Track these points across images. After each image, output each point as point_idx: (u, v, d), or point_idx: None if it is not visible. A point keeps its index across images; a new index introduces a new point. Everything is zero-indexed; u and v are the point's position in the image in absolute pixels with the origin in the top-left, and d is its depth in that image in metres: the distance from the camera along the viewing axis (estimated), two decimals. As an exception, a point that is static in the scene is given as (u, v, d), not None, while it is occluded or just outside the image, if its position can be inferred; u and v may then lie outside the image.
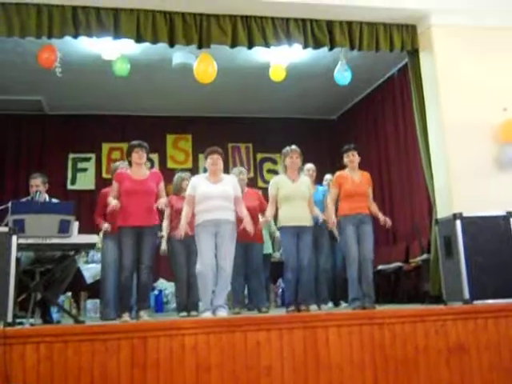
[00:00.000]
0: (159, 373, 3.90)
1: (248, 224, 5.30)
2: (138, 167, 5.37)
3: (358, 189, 5.61)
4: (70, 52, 6.91)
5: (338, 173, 5.79)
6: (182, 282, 6.06)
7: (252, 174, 9.75)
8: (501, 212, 5.20)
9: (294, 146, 5.70)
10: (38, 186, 5.52)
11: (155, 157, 9.49)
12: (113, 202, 5.20)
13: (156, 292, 8.10)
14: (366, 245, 5.49)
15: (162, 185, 5.48)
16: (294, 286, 5.50)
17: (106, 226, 5.79)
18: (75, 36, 5.67)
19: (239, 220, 5.36)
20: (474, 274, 4.98)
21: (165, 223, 6.26)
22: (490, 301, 4.86)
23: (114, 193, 5.34)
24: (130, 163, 5.47)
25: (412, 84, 6.61)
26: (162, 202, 5.35)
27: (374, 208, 5.79)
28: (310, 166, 6.60)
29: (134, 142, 5.48)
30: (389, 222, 5.69)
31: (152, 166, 9.22)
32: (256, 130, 9.80)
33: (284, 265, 5.52)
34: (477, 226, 5.10)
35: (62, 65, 6.25)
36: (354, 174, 5.70)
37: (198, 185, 5.29)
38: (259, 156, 10.04)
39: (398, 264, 7.34)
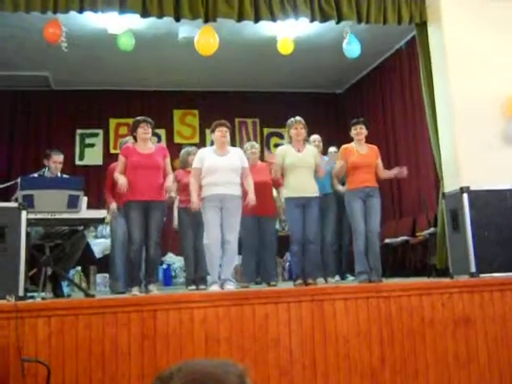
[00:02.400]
0: (169, 345, 3.94)
1: (252, 201, 5.33)
2: (144, 142, 5.36)
3: (365, 161, 5.57)
4: (76, 27, 6.85)
5: (343, 146, 5.76)
6: (190, 256, 6.13)
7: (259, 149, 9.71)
8: (508, 186, 5.19)
9: (298, 117, 5.70)
10: (61, 162, 5.60)
11: (162, 132, 9.48)
12: (120, 179, 5.18)
13: (164, 266, 8.15)
14: (373, 218, 5.46)
15: (168, 159, 5.47)
16: (301, 258, 5.53)
17: (113, 206, 5.83)
18: (80, 11, 5.59)
19: (246, 193, 5.38)
20: (481, 247, 4.98)
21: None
22: (496, 274, 4.87)
23: (121, 168, 5.32)
24: (135, 138, 5.45)
25: (420, 57, 6.52)
26: (170, 181, 5.36)
27: (387, 173, 5.74)
28: (315, 136, 6.58)
29: (139, 118, 5.47)
30: (405, 171, 5.65)
31: (159, 142, 9.26)
32: (263, 105, 9.73)
33: (290, 237, 5.55)
34: (484, 200, 5.09)
35: (68, 40, 6.19)
36: (360, 148, 5.65)
37: (205, 157, 5.32)
38: (266, 131, 10.01)
39: (405, 238, 7.33)
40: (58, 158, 5.57)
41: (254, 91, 9.72)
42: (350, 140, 5.78)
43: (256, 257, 6.35)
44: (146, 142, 5.38)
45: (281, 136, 9.75)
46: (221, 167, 5.21)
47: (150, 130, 5.39)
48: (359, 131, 5.67)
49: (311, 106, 9.59)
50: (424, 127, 6.88)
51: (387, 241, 7.36)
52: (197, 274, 6.09)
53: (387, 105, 8.80)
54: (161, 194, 5.31)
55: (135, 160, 5.26)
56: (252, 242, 6.14)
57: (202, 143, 9.21)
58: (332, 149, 6.97)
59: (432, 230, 6.50)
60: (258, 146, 6.58)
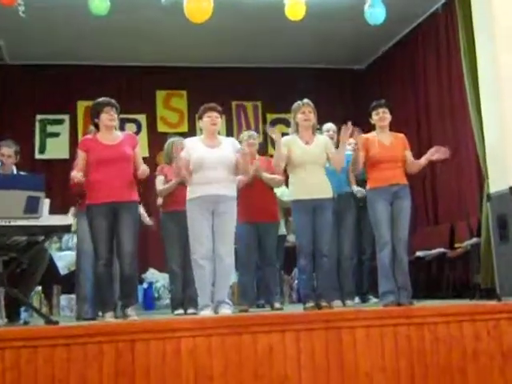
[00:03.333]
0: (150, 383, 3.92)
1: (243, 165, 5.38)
2: (109, 130, 5.34)
3: (389, 153, 5.58)
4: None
5: (364, 136, 5.80)
6: (177, 273, 6.13)
7: (261, 139, 9.72)
8: None
9: (306, 100, 5.69)
10: (10, 156, 5.56)
11: (142, 118, 9.53)
12: (78, 176, 5.12)
13: (145, 285, 8.17)
14: (402, 225, 5.47)
15: (138, 149, 5.48)
16: (311, 275, 5.57)
17: (73, 212, 5.86)
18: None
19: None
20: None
21: (158, 201, 6.38)
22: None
23: (81, 165, 5.24)
24: (96, 126, 5.41)
25: (460, 22, 6.56)
26: (144, 170, 5.33)
27: (419, 163, 5.71)
28: (329, 125, 6.60)
29: (102, 100, 5.40)
30: (446, 152, 5.62)
31: (139, 130, 9.26)
32: (266, 85, 9.75)
33: (297, 249, 5.55)
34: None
35: (26, 2, 6.16)
36: (383, 137, 5.67)
37: (193, 149, 5.32)
38: (270, 117, 9.99)
39: (441, 250, 7.25)
40: (6, 151, 5.52)
41: (256, 68, 9.73)
42: (372, 129, 5.80)
43: (256, 273, 6.35)
44: (111, 130, 5.36)
45: (288, 123, 9.67)
46: (211, 161, 5.22)
47: (116, 115, 5.36)
48: (382, 116, 5.67)
49: (326, 85, 9.65)
50: (465, 109, 6.89)
51: (419, 254, 7.32)
52: (185, 295, 6.09)
53: (419, 83, 8.77)
54: (133, 193, 5.31)
55: (98, 154, 5.22)
56: (250, 254, 6.15)
57: (191, 132, 9.14)
58: (328, 125, 6.76)
59: (475, 240, 6.49)
60: (257, 136, 6.60)
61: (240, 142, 6.07)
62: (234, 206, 5.30)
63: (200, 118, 5.45)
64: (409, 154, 5.70)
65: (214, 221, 5.20)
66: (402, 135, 5.76)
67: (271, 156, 7.46)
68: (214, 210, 5.19)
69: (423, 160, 5.68)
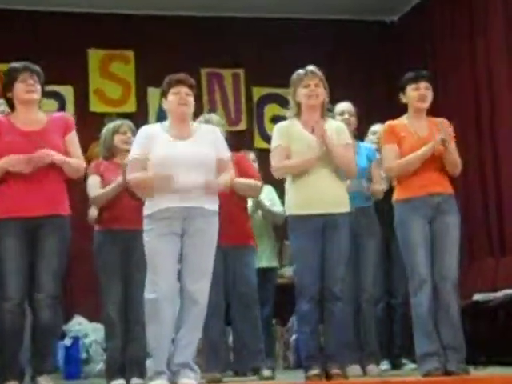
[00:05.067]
0: None
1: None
2: (28, 108, 5.35)
3: None
4: None
5: (389, 122, 5.86)
6: (115, 323, 6.03)
7: (244, 126, 9.74)
8: None
9: (310, 67, 5.73)
10: None
11: (68, 91, 9.55)
12: None
13: (67, 342, 8.12)
14: (448, 253, 5.51)
15: (72, 135, 5.51)
16: (316, 328, 5.57)
17: None
18: None
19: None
20: None
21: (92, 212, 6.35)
22: None
23: None
24: (9, 103, 5.43)
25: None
26: (75, 164, 5.35)
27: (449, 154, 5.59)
28: (344, 105, 6.70)
29: (16, 64, 5.41)
30: (449, 129, 5.56)
31: (61, 109, 9.18)
32: (252, 44, 9.80)
33: (296, 289, 5.58)
34: None
35: None
36: (419, 125, 5.72)
37: (153, 142, 5.28)
38: (257, 91, 10.06)
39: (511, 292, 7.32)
40: None
41: (237, 18, 9.80)
42: (402, 111, 5.83)
43: (227, 322, 6.36)
44: (31, 107, 5.36)
45: (283, 102, 9.67)
46: (180, 160, 5.17)
47: (39, 85, 5.36)
48: (423, 93, 5.71)
49: (343, 44, 9.78)
50: None
51: (477, 297, 7.31)
52: (127, 357, 6.02)
53: (478, 42, 8.79)
54: (60, 203, 5.35)
55: (10, 142, 5.23)
56: (218, 293, 6.06)
57: (141, 113, 9.34)
58: (376, 127, 6.99)
59: None
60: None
61: None
62: (215, 224, 5.31)
63: (164, 94, 5.42)
64: (452, 147, 5.61)
65: (184, 245, 5.20)
66: (445, 121, 5.75)
67: (261, 150, 7.47)
68: (183, 230, 5.19)
69: (453, 155, 5.57)
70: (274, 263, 7.25)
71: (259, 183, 6.23)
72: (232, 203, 6.08)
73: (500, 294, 7.28)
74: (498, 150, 8.33)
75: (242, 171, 6.19)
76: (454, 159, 5.60)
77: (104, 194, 6.07)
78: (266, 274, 6.81)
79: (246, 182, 6.21)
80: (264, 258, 6.95)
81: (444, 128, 5.54)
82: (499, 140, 8.24)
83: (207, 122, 6.26)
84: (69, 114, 5.72)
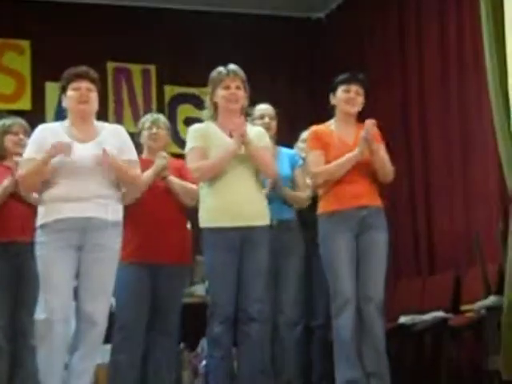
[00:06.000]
0: None
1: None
2: None
3: None
4: None
5: (314, 127, 5.93)
6: (1, 346, 5.87)
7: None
8: None
9: (232, 66, 5.72)
10: None
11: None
12: None
13: None
14: (374, 272, 5.58)
15: None
16: (229, 352, 5.54)
17: None
18: None
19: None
20: None
21: None
22: None
23: None
24: None
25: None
26: None
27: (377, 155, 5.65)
28: (264, 108, 6.65)
29: None
30: (372, 126, 5.59)
31: None
32: (167, 37, 9.88)
33: (209, 309, 5.53)
34: None
35: None
36: (346, 130, 5.78)
37: (49, 144, 5.08)
38: (170, 90, 10.14)
39: (439, 314, 7.25)
40: None
41: (146, 7, 9.88)
42: (329, 115, 5.88)
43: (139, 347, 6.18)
44: None
45: (200, 102, 9.48)
46: (80, 164, 5.07)
47: None
48: (353, 97, 5.75)
49: (267, 41, 9.96)
50: (482, 89, 7.03)
51: (403, 320, 7.27)
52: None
53: (410, 43, 8.87)
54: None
55: None
56: (138, 315, 6.01)
57: (38, 110, 9.36)
58: (306, 134, 6.84)
59: (493, 299, 6.45)
60: (164, 121, 6.55)
61: (139, 132, 6.27)
62: (117, 237, 5.21)
63: (63, 90, 5.30)
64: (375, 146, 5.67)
65: (82, 259, 5.09)
66: (371, 121, 5.69)
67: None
68: (81, 243, 5.07)
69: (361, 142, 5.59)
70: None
71: (195, 187, 6.01)
72: (167, 211, 6.07)
73: (427, 316, 7.24)
74: (428, 167, 8.46)
75: (182, 178, 6.21)
76: (381, 160, 5.68)
77: None
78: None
79: (183, 183, 6.11)
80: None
81: (367, 127, 5.58)
82: (430, 159, 8.33)
83: (155, 120, 6.43)
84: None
